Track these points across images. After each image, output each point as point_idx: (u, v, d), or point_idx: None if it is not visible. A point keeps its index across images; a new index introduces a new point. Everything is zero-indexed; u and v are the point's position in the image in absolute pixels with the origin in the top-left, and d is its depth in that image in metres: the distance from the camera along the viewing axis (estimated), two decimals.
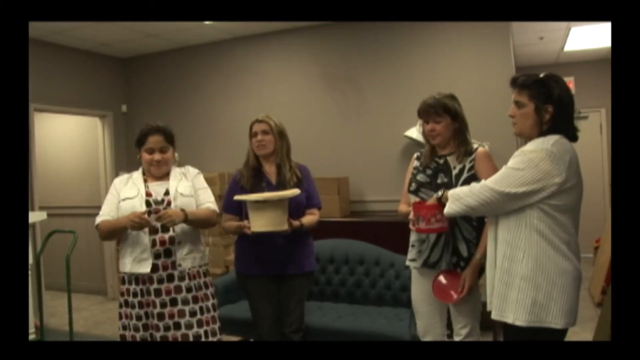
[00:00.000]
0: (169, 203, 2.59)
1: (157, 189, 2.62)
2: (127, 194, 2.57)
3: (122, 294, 2.62)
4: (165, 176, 2.69)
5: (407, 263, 2.67)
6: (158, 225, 2.52)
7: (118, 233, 2.54)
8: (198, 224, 2.62)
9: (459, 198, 2.00)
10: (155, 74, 5.82)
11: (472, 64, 4.39)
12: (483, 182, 1.98)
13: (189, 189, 2.65)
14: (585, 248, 6.22)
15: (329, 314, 3.51)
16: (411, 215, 2.33)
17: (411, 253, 2.62)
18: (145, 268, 2.49)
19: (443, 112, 2.61)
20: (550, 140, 1.92)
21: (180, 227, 2.56)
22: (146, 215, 2.51)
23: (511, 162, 1.94)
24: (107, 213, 2.58)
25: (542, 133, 2.00)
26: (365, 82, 4.86)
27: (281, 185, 2.85)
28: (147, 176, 2.70)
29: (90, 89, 5.57)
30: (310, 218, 2.99)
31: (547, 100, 1.96)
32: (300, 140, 3.93)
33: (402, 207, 2.69)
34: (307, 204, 2.99)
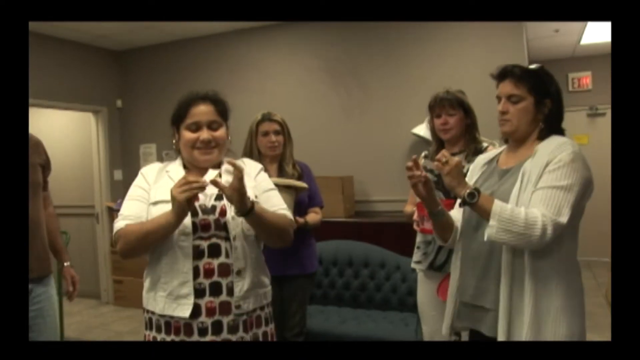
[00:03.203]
0: (223, 213, 1.93)
1: (206, 190, 1.84)
2: (161, 195, 1.91)
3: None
4: (215, 170, 2.03)
5: (413, 265, 2.72)
6: (204, 246, 1.89)
7: (158, 241, 1.87)
8: (267, 231, 1.94)
9: (507, 227, 1.69)
10: (151, 67, 5.88)
11: (483, 59, 4.42)
12: (535, 211, 1.70)
13: (252, 190, 1.98)
14: (602, 251, 6.27)
15: (331, 319, 3.57)
16: (415, 216, 2.38)
17: (416, 255, 2.66)
18: (184, 311, 1.86)
19: (457, 105, 2.64)
20: (569, 141, 1.81)
21: (240, 247, 1.93)
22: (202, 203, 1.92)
23: (555, 178, 1.74)
24: (134, 216, 1.91)
25: (540, 133, 1.90)
26: (371, 77, 4.90)
27: None
28: (190, 170, 2.05)
29: (83, 83, 5.63)
30: (315, 217, 3.03)
31: (546, 94, 1.88)
32: (302, 137, 3.96)
33: (408, 208, 2.74)
34: (309, 203, 3.04)
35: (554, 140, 1.85)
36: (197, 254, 1.89)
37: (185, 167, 2.10)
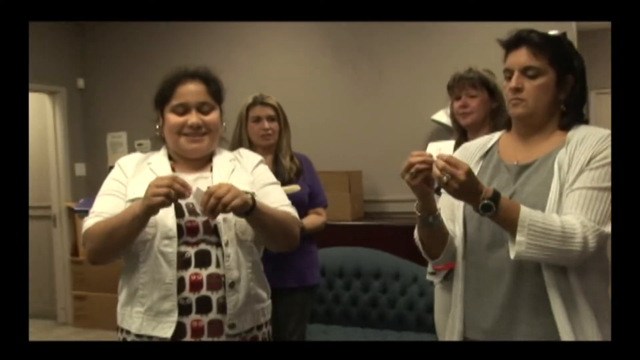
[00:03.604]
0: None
1: (193, 187, 1.89)
2: (140, 192, 1.92)
3: None
4: (206, 164, 2.17)
5: (428, 277, 2.81)
6: (191, 253, 1.97)
7: (125, 239, 1.94)
8: (271, 231, 2.04)
9: (541, 242, 1.67)
10: (119, 42, 6.10)
11: None
12: (572, 219, 1.70)
13: (249, 186, 2.08)
14: None
15: (336, 340, 3.62)
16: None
17: (431, 265, 2.61)
18: (165, 330, 1.92)
19: (480, 85, 2.72)
20: (605, 132, 1.80)
21: (234, 254, 2.00)
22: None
23: (599, 177, 1.73)
24: (109, 213, 2.00)
25: (562, 119, 1.88)
26: (383, 54, 5.07)
27: (279, 178, 2.86)
28: (176, 162, 2.16)
29: (37, 60, 5.72)
30: (313, 219, 3.16)
31: (569, 68, 1.86)
32: (302, 124, 4.07)
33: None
34: (309, 203, 3.18)
35: (591, 130, 1.83)
36: (183, 262, 1.95)
37: (170, 158, 2.18)
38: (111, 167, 2.21)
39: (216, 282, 1.97)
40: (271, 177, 2.23)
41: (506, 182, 1.88)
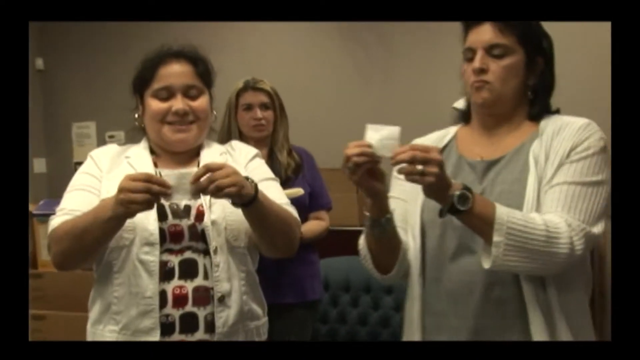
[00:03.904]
0: (200, 216, 2.11)
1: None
2: (116, 190, 1.92)
3: None
4: (192, 158, 2.28)
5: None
6: (174, 263, 2.07)
7: (97, 243, 2.02)
8: (272, 229, 2.10)
9: (522, 243, 1.71)
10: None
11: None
12: (555, 218, 1.76)
13: None
14: None
15: None
16: None
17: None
18: None
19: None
20: (591, 122, 1.89)
21: (224, 263, 2.09)
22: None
23: (583, 171, 1.81)
24: (80, 210, 2.06)
25: (532, 108, 1.97)
26: (396, 31, 5.24)
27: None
28: (159, 156, 2.28)
29: None
30: (314, 226, 3.37)
31: (538, 48, 1.95)
32: (302, 113, 4.28)
33: None
34: (310, 205, 3.37)
35: (568, 120, 1.91)
36: (165, 273, 2.04)
37: (152, 152, 2.28)
38: (77, 164, 2.33)
39: (203, 296, 2.06)
40: (268, 172, 2.32)
41: (471, 182, 1.87)
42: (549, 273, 1.80)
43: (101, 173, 2.21)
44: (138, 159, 2.24)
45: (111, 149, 2.34)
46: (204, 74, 2.28)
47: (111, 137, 6.17)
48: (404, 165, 1.69)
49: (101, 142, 6.08)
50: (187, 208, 2.14)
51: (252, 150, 2.39)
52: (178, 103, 2.18)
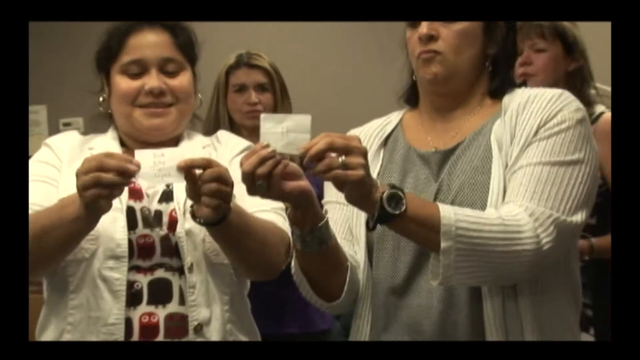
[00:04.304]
0: (173, 223, 1.81)
1: (142, 184, 1.79)
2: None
3: None
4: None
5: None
6: (142, 284, 1.77)
7: (63, 247, 1.70)
8: (241, 250, 1.75)
9: (475, 246, 1.44)
10: None
11: None
12: (513, 208, 1.51)
13: None
14: None
15: None
16: None
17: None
18: None
19: (552, 35, 2.46)
20: (566, 91, 1.67)
21: (203, 284, 1.79)
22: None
23: (556, 148, 1.55)
24: (38, 204, 1.76)
25: (492, 82, 1.73)
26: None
27: None
28: (130, 148, 1.89)
29: None
30: None
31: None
32: (309, 96, 3.89)
33: None
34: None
35: (535, 92, 1.67)
36: (131, 296, 1.75)
37: (122, 144, 1.95)
38: None
39: (178, 326, 1.78)
40: None
41: (426, 178, 1.68)
42: (515, 280, 1.53)
43: (61, 163, 1.89)
44: (103, 151, 1.76)
45: (71, 137, 1.98)
46: (186, 45, 1.94)
47: (67, 124, 5.50)
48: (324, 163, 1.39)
49: (54, 130, 4.90)
50: (158, 215, 1.83)
51: (241, 143, 2.03)
52: (152, 80, 1.84)
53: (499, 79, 1.71)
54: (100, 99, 1.98)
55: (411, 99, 1.82)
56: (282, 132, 1.47)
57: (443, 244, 1.42)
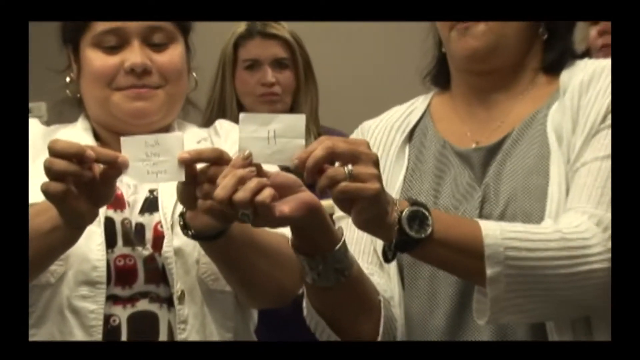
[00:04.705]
0: (158, 239, 1.48)
1: (133, 184, 1.45)
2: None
3: None
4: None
5: None
6: (119, 319, 1.47)
7: (39, 262, 1.38)
8: (242, 270, 1.43)
9: (530, 269, 1.16)
10: None
11: None
12: (573, 217, 1.21)
13: None
14: None
15: None
16: None
17: None
18: None
19: None
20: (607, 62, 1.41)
21: (197, 318, 1.47)
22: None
23: (609, 140, 1.26)
24: None
25: (546, 54, 1.43)
26: None
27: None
28: (106, 142, 1.58)
29: None
30: None
31: None
32: (341, 78, 3.54)
33: None
34: None
35: (600, 64, 1.38)
36: (107, 334, 1.48)
37: (96, 137, 1.61)
38: None
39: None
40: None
41: (467, 183, 1.36)
42: (586, 311, 1.26)
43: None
44: None
45: (32, 127, 1.59)
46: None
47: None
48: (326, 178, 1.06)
49: None
50: (140, 229, 1.51)
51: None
52: (134, 55, 1.53)
53: (556, 50, 1.40)
54: (67, 79, 1.65)
55: (439, 78, 1.48)
56: (269, 138, 1.11)
57: (489, 272, 1.13)
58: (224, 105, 2.46)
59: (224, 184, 1.06)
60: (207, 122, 1.84)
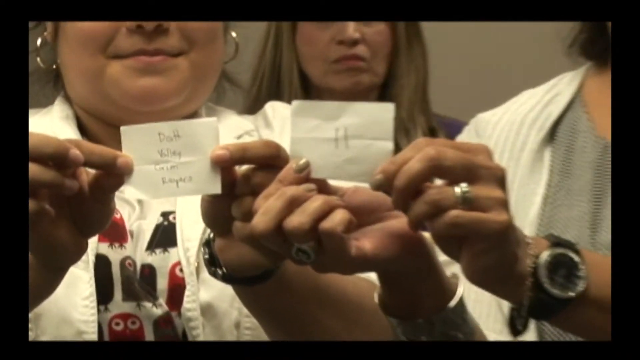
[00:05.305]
0: (177, 289, 1.03)
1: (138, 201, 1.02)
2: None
3: None
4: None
5: None
6: None
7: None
8: (320, 331, 0.98)
9: None
10: None
11: None
12: None
13: None
14: None
15: None
16: None
17: None
18: None
19: None
20: None
21: None
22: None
23: None
24: None
25: None
26: None
27: None
28: (93, 132, 1.15)
29: None
30: None
31: None
32: (464, 48, 2.93)
33: None
34: None
35: None
36: None
37: (81, 129, 1.15)
38: None
39: None
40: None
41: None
42: None
43: None
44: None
45: None
46: None
47: None
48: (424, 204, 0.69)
49: None
50: (150, 274, 1.06)
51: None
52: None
53: None
54: (38, 41, 1.20)
55: (593, 46, 1.11)
56: (337, 139, 0.75)
57: None
58: (278, 78, 1.84)
59: (268, 206, 0.71)
60: (252, 106, 1.37)
